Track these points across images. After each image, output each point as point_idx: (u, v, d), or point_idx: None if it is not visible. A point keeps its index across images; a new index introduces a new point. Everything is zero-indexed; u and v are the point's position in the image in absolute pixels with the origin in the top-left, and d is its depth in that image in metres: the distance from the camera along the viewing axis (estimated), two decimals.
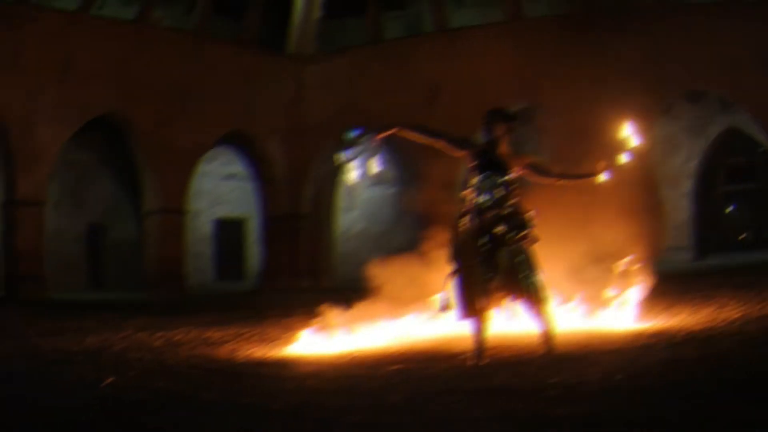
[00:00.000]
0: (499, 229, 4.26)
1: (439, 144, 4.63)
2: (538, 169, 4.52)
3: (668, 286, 7.52)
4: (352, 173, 4.76)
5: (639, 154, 4.98)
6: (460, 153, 4.57)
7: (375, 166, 4.76)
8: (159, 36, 15.98)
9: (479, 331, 4.35)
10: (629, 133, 4.91)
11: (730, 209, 19.91)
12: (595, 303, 6.38)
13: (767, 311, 5.83)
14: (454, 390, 3.65)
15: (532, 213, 4.39)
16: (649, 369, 3.77)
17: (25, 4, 14.07)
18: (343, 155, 4.77)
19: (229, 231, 21.17)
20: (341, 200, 20.11)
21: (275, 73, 17.64)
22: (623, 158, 4.85)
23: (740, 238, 19.41)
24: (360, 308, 6.36)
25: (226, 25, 19.09)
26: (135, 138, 15.34)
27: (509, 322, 5.33)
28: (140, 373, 4.46)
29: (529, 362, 4.35)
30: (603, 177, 4.63)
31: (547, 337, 4.39)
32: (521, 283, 4.28)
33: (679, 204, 17.85)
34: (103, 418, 3.14)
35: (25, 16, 13.55)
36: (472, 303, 4.28)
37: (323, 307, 6.18)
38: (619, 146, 4.90)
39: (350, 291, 6.79)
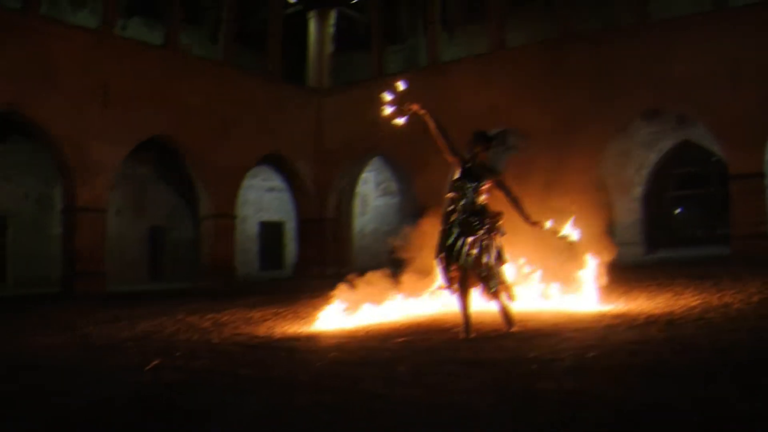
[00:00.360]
0: (472, 223, 4.29)
1: (441, 142, 4.58)
2: (502, 187, 4.47)
3: (623, 274, 7.16)
4: (386, 112, 4.74)
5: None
6: (451, 158, 4.56)
7: (400, 122, 4.73)
8: (193, 65, 15.10)
9: (464, 308, 4.32)
10: (569, 231, 4.74)
11: (678, 211, 19.58)
12: (560, 286, 6.14)
13: (727, 300, 5.34)
14: (450, 361, 3.49)
15: (499, 213, 4.41)
16: (618, 348, 3.50)
17: (54, 21, 12.81)
18: (387, 96, 4.73)
19: (270, 231, 21.34)
20: (357, 207, 20.41)
21: (299, 104, 17.35)
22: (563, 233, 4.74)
23: (696, 232, 19.07)
24: (374, 288, 6.19)
25: (248, 55, 18.79)
26: (186, 157, 14.90)
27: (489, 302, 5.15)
28: (185, 354, 4.13)
29: (509, 337, 4.19)
30: (546, 226, 4.58)
31: (506, 317, 4.39)
32: (484, 269, 4.28)
33: (631, 207, 17.56)
34: (142, 402, 2.85)
35: (54, 34, 12.10)
36: (453, 281, 4.36)
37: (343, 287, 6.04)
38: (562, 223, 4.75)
39: (364, 275, 6.52)
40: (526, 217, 4.48)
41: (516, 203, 4.46)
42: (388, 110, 4.74)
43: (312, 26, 18.26)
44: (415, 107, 4.60)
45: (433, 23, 16.63)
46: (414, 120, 4.76)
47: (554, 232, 4.68)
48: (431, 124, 4.57)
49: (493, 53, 15.65)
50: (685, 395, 2.42)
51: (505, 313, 4.39)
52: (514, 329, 4.35)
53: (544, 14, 16.45)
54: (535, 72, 14.30)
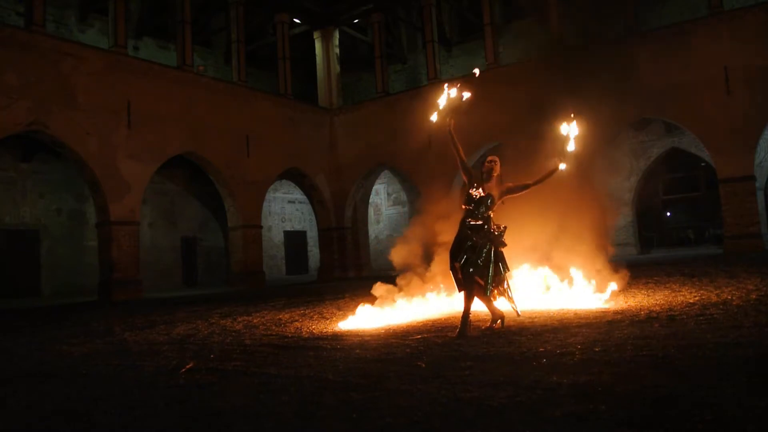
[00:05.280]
0: (479, 234, 4.33)
1: (457, 161, 4.66)
2: (518, 188, 4.53)
3: (620, 273, 7.02)
4: (434, 116, 4.66)
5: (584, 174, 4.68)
6: (464, 176, 4.64)
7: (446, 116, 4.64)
8: (210, 85, 14.77)
9: (466, 309, 4.34)
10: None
11: (668, 214, 19.27)
12: (564, 286, 6.02)
13: (725, 297, 5.10)
14: (464, 356, 3.39)
15: (503, 226, 4.44)
16: (623, 343, 3.37)
17: (68, 41, 12.38)
18: (440, 102, 4.66)
19: (294, 239, 21.43)
20: (371, 216, 20.43)
21: (313, 122, 17.32)
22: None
23: (688, 234, 18.75)
24: (391, 290, 6.13)
25: (261, 75, 18.61)
26: (213, 174, 14.83)
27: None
28: (219, 355, 4.00)
29: (519, 332, 4.09)
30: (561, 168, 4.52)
31: (493, 315, 4.45)
32: (485, 273, 4.31)
33: (623, 211, 17.33)
34: (177, 404, 2.72)
35: (69, 54, 11.62)
36: (460, 284, 4.39)
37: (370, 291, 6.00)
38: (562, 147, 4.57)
39: (382, 278, 6.46)
40: (545, 177, 4.49)
41: (534, 184, 4.52)
42: (442, 104, 4.63)
43: (318, 46, 18.26)
44: (452, 123, 4.60)
45: (431, 42, 16.55)
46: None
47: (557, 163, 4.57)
48: (452, 144, 4.63)
49: (488, 70, 15.52)
50: (695, 390, 2.29)
51: (492, 311, 4.44)
52: (497, 326, 4.40)
53: (537, 29, 16.23)
54: (528, 86, 14.03)
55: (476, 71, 4.75)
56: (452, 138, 4.60)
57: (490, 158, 4.58)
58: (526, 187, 4.51)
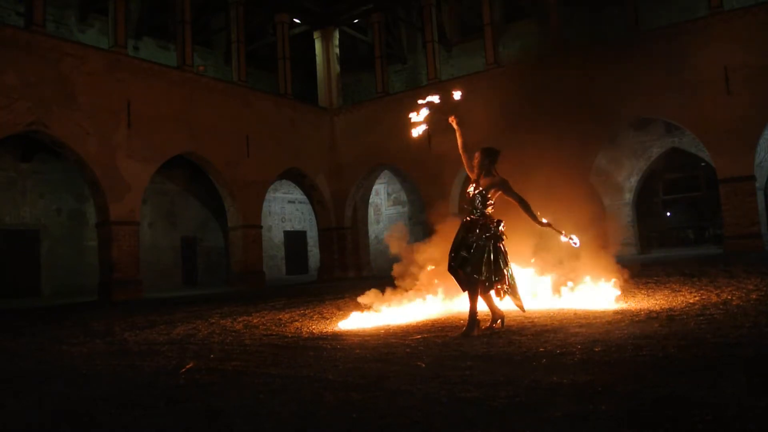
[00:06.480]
0: (477, 230, 4.29)
1: (463, 159, 4.66)
2: (511, 194, 4.41)
3: (620, 273, 7.00)
4: (417, 130, 4.72)
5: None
6: (470, 173, 4.62)
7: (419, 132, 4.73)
8: (210, 85, 14.68)
9: (473, 307, 4.28)
10: (572, 242, 4.52)
11: (668, 214, 19.25)
12: (562, 287, 6.00)
13: (725, 297, 5.09)
14: (464, 356, 3.38)
15: (501, 220, 4.39)
16: (623, 343, 3.36)
17: (68, 41, 12.33)
18: (414, 115, 4.67)
19: (294, 239, 21.47)
20: (371, 216, 20.44)
21: (313, 123, 17.31)
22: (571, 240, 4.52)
23: (688, 234, 18.75)
24: (391, 291, 6.13)
25: (261, 75, 18.57)
26: (213, 174, 14.80)
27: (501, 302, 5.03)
28: (219, 355, 3.99)
29: (518, 333, 4.08)
30: (554, 227, 4.48)
31: (494, 314, 4.42)
32: (485, 270, 4.25)
33: (623, 211, 17.33)
34: (177, 404, 2.71)
35: (70, 54, 11.60)
36: (462, 284, 4.35)
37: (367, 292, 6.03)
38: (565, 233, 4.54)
39: (383, 279, 6.46)
40: (537, 219, 4.42)
41: (526, 208, 4.41)
42: (419, 115, 4.69)
43: (318, 46, 18.24)
44: (452, 120, 4.59)
45: (431, 42, 16.53)
46: (420, 137, 4.72)
47: (560, 232, 4.52)
48: (460, 141, 4.62)
49: (488, 70, 15.51)
50: (694, 390, 2.28)
51: (493, 311, 4.40)
52: (497, 326, 4.37)
53: (537, 29, 16.21)
54: (528, 86, 13.89)
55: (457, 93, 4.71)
56: (458, 135, 4.63)
57: (476, 153, 4.52)
58: (514, 198, 4.37)
